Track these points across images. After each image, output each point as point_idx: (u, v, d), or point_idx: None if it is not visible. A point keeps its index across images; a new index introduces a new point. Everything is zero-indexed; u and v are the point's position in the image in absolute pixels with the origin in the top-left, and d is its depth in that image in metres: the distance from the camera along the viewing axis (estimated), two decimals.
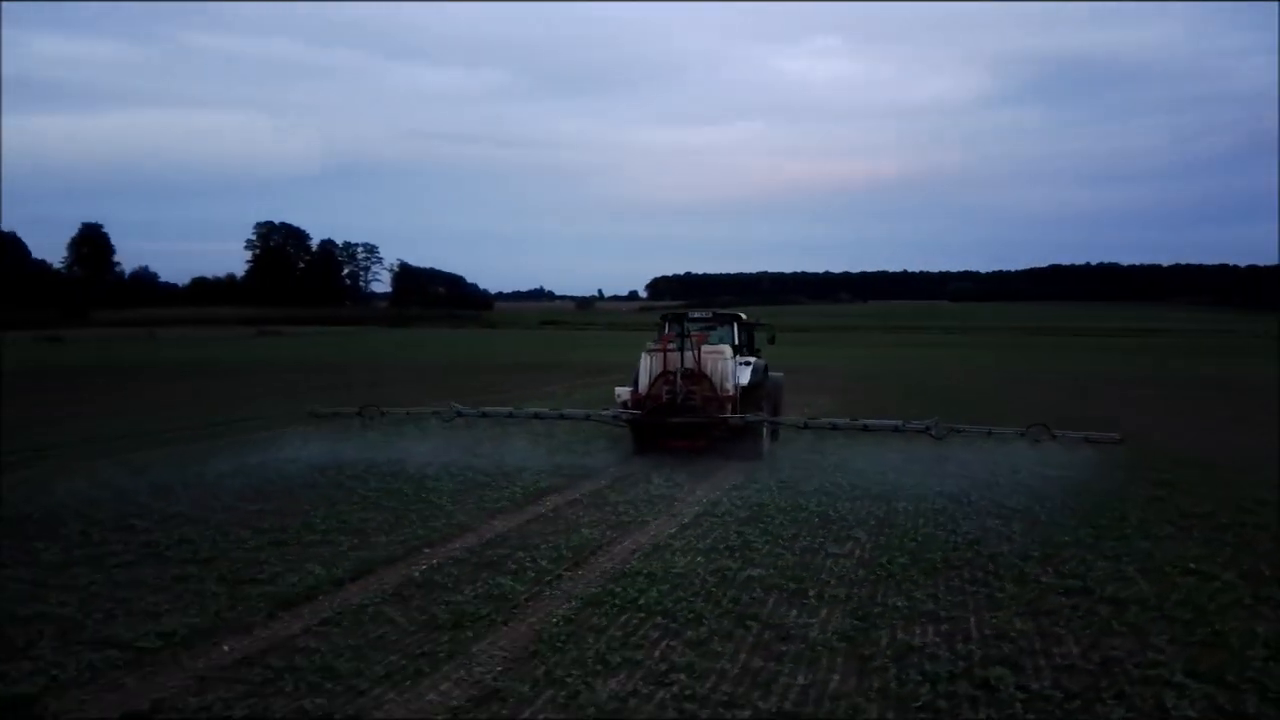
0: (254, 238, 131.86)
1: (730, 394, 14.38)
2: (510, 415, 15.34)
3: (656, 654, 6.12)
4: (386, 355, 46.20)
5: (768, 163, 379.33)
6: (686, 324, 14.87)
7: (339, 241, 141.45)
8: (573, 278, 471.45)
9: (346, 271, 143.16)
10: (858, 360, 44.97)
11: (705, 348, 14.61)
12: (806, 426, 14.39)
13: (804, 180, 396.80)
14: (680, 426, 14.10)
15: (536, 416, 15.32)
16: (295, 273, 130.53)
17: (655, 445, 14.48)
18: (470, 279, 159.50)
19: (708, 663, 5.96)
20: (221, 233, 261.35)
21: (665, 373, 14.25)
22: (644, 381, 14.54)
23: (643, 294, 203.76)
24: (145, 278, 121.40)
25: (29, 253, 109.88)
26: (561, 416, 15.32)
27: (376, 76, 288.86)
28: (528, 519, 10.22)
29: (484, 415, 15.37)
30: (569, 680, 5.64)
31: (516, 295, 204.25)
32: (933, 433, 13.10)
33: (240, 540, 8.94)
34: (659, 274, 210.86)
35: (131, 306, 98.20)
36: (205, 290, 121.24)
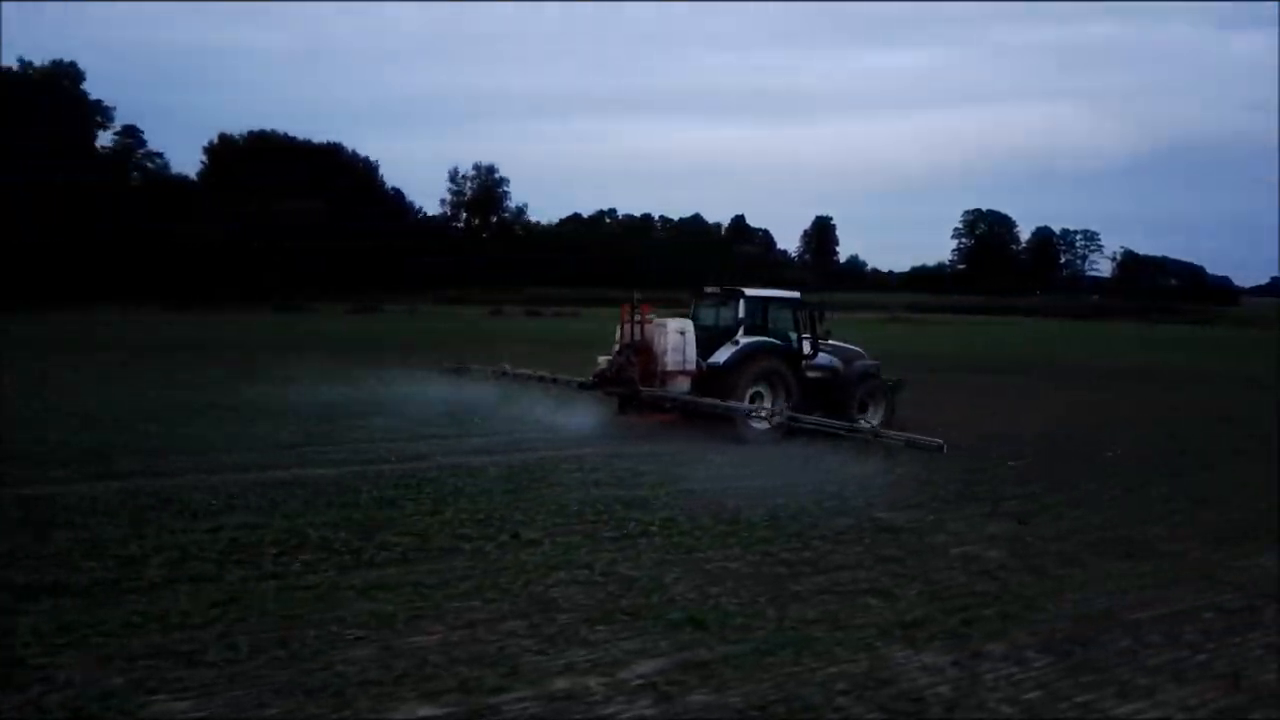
0: (960, 225, 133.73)
1: (671, 369, 14.49)
2: (527, 377, 16.94)
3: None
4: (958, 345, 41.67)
5: None
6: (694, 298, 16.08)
7: (1056, 229, 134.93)
8: None
9: (1064, 259, 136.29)
10: None
11: (654, 323, 14.88)
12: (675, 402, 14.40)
13: None
14: (619, 396, 15.01)
15: (539, 379, 16.53)
16: (1004, 261, 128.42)
17: (629, 413, 15.17)
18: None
19: None
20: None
21: (625, 345, 14.88)
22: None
23: None
24: (856, 265, 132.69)
25: (774, 244, 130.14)
26: (554, 380, 16.37)
27: (1205, 53, 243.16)
28: None
29: (516, 376, 17.22)
30: None
31: None
32: (772, 420, 13.63)
33: None
34: None
35: (834, 291, 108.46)
36: (917, 278, 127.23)
